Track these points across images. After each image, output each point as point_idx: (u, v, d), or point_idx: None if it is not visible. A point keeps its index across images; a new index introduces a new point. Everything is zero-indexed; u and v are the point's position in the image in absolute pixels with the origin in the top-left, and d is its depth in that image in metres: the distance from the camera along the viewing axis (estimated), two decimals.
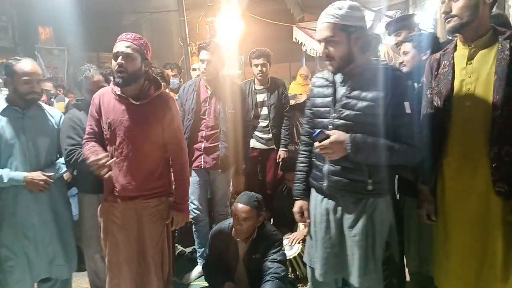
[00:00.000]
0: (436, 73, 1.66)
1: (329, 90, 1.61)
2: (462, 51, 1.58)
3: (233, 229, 2.23)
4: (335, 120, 1.57)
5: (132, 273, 1.95)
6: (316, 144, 1.55)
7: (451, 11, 1.49)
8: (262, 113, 3.12)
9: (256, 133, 3.15)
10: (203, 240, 2.61)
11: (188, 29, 4.06)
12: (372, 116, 1.51)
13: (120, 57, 1.78)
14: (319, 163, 1.67)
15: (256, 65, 3.04)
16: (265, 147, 3.14)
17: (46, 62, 5.70)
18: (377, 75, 1.51)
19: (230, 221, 2.33)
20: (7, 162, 1.96)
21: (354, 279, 1.64)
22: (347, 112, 1.54)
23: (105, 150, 1.93)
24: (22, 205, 2.00)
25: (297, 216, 1.84)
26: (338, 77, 1.61)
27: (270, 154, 3.18)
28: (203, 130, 2.59)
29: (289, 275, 2.41)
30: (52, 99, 2.87)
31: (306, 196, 1.79)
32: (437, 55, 1.69)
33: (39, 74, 2.03)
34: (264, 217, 2.27)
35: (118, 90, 1.88)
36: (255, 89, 3.13)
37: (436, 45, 2.07)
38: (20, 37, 6.00)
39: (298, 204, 1.82)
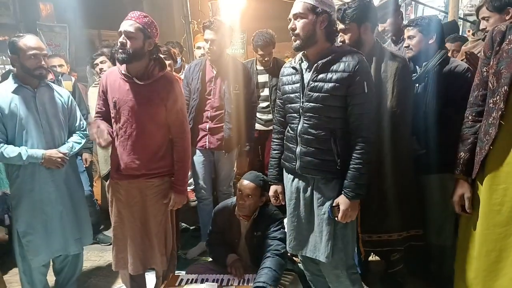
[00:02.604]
0: (498, 48, 1.43)
1: (296, 77, 1.71)
2: None
3: (236, 204, 2.29)
4: (305, 103, 1.66)
5: (136, 248, 2.03)
6: (338, 218, 1.66)
7: None
8: (262, 94, 3.10)
9: None
10: (207, 218, 2.67)
11: (190, 6, 3.98)
12: (338, 98, 1.61)
13: (122, 36, 1.80)
14: (291, 145, 1.76)
15: (261, 55, 3.00)
16: (264, 128, 3.13)
17: (47, 39, 5.62)
18: (340, 58, 1.61)
19: (233, 200, 2.38)
20: (22, 140, 1.99)
21: (321, 256, 1.74)
22: (315, 94, 1.63)
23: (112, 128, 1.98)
24: (40, 182, 2.06)
25: (272, 200, 1.98)
26: (304, 65, 1.70)
27: (269, 135, 3.16)
28: (208, 110, 2.60)
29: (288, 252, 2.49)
30: (59, 77, 2.88)
31: (280, 180, 1.92)
32: (502, 27, 1.45)
33: (44, 48, 2.03)
34: (266, 199, 2.31)
35: (123, 69, 1.90)
36: (256, 69, 3.10)
37: (442, 29, 2.07)
38: (22, 13, 5.90)
39: (273, 189, 1.96)
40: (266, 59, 3.01)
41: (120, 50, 1.80)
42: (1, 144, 1.95)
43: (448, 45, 2.64)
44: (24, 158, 1.96)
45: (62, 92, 2.20)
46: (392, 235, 1.98)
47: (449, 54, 2.25)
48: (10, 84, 2.01)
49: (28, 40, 1.97)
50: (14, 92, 1.99)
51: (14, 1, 5.87)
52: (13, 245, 2.14)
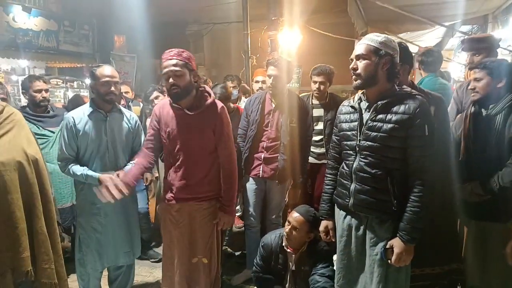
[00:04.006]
0: None
1: (355, 116, 1.72)
2: None
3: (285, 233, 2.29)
4: (362, 142, 1.66)
5: (183, 268, 2.09)
6: (391, 261, 1.62)
7: None
8: (316, 127, 3.12)
9: None
10: (254, 245, 2.68)
11: (250, 42, 4.21)
12: (397, 139, 1.59)
13: (171, 78, 1.93)
14: (345, 182, 1.75)
15: (315, 82, 3.04)
16: (316, 161, 3.11)
17: (118, 67, 6.21)
18: (401, 100, 1.61)
19: (282, 231, 2.37)
20: (89, 159, 2.19)
21: None
22: (373, 134, 1.63)
23: (156, 158, 2.16)
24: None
25: (322, 235, 1.95)
26: (363, 104, 1.71)
27: (321, 168, 3.11)
28: (264, 141, 2.68)
29: None
30: (130, 103, 3.19)
31: (331, 216, 1.89)
32: None
33: (116, 76, 2.24)
34: (316, 235, 2.27)
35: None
36: (312, 103, 3.15)
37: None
38: (98, 44, 6.63)
39: (323, 224, 1.94)
40: (317, 86, 3.00)
41: (173, 88, 1.93)
42: (71, 162, 2.16)
43: None
44: (84, 178, 2.15)
45: (131, 117, 2.39)
46: (434, 268, 1.94)
47: None
48: (87, 108, 2.25)
49: (103, 69, 2.21)
50: (89, 115, 2.21)
51: (94, 33, 6.63)
52: (75, 251, 2.31)
